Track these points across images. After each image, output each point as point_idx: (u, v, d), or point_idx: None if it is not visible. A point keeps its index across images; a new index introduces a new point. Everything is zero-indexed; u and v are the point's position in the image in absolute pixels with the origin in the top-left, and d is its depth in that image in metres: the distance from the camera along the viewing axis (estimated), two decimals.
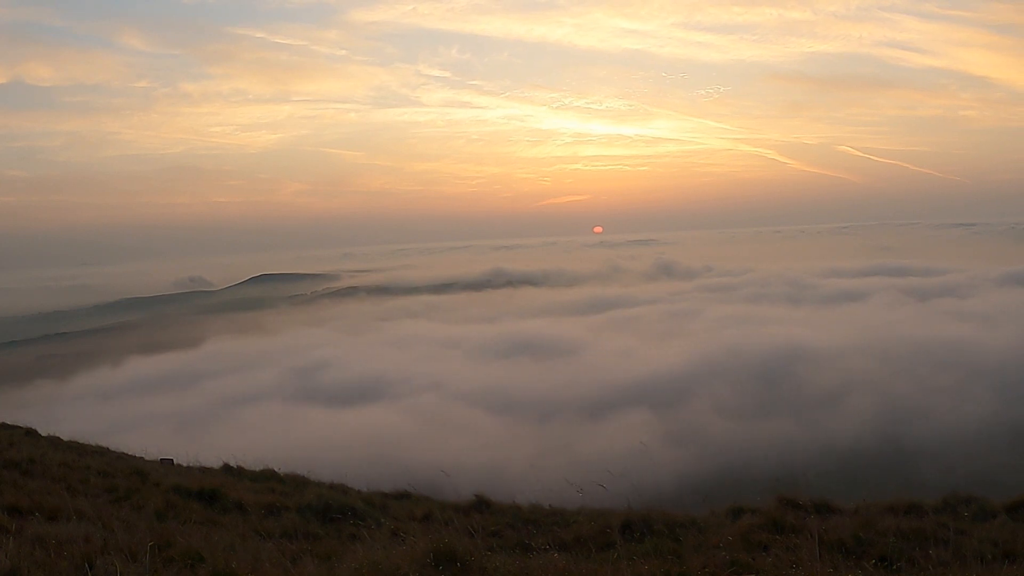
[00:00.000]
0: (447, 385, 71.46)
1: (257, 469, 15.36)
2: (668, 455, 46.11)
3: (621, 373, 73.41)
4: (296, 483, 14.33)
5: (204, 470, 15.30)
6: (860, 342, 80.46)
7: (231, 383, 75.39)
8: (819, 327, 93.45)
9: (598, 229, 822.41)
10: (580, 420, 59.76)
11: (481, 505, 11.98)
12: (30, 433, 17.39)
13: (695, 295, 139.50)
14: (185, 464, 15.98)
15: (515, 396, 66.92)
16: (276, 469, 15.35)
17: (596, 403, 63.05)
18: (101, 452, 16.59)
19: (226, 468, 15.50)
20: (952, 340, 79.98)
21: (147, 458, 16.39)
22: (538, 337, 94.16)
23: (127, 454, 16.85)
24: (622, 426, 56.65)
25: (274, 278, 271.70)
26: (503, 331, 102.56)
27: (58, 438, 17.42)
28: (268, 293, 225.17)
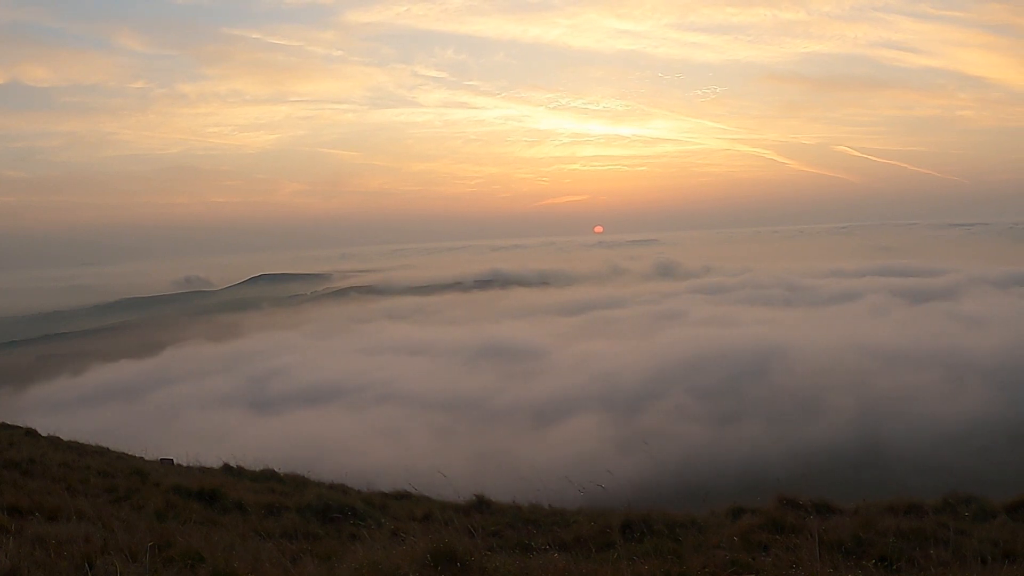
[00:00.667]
0: (395, 391, 70.90)
1: (257, 469, 15.38)
2: (618, 461, 45.24)
3: (580, 377, 73.03)
4: (296, 483, 14.34)
5: (204, 470, 15.31)
6: (847, 344, 79.97)
7: (181, 391, 74.91)
8: (807, 329, 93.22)
9: (599, 229, 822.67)
10: (526, 425, 59.27)
11: (481, 505, 11.97)
12: (30, 433, 17.41)
13: (687, 296, 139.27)
14: (185, 464, 16.01)
15: (463, 401, 66.45)
16: (276, 469, 15.37)
17: (547, 408, 62.67)
18: (101, 452, 16.60)
19: (226, 468, 15.51)
20: (947, 341, 79.70)
21: (147, 458, 16.41)
22: (509, 341, 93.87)
23: (127, 454, 16.86)
24: (569, 431, 56.39)
25: (273, 278, 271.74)
26: (478, 334, 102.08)
27: (58, 438, 17.44)
28: (267, 293, 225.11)
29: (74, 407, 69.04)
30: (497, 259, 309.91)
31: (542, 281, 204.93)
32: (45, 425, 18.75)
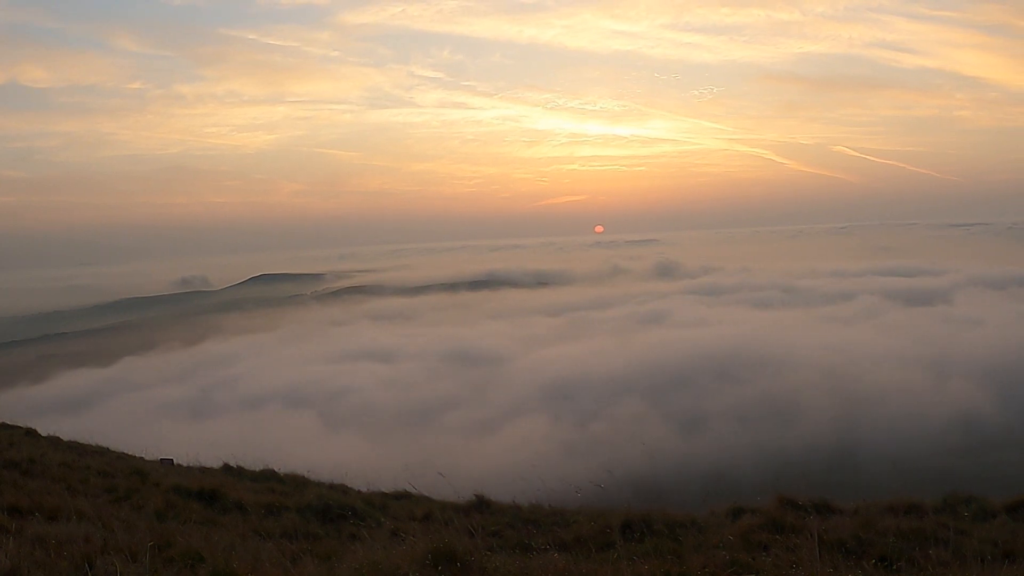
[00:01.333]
0: (341, 398, 69.58)
1: (257, 469, 15.39)
2: (566, 465, 43.08)
3: (539, 381, 71.85)
4: (296, 483, 14.35)
5: (204, 470, 15.32)
6: (836, 345, 79.13)
7: (131, 399, 73.38)
8: (795, 330, 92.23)
9: (599, 228, 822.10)
10: (464, 432, 57.93)
11: (481, 505, 11.98)
12: (30, 433, 17.41)
13: (679, 297, 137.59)
14: (185, 464, 16.01)
15: (406, 408, 65.37)
16: (276, 469, 15.38)
17: (494, 414, 61.74)
18: (101, 452, 16.61)
19: (226, 468, 15.51)
20: (941, 343, 78.80)
21: (147, 458, 16.41)
22: (478, 345, 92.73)
23: (127, 454, 16.87)
24: (512, 437, 55.27)
25: (272, 278, 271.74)
26: (452, 338, 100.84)
27: (58, 438, 17.45)
28: (266, 294, 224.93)
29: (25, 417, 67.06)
30: (495, 259, 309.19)
31: (538, 282, 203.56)
32: (37, 425, 18.71)
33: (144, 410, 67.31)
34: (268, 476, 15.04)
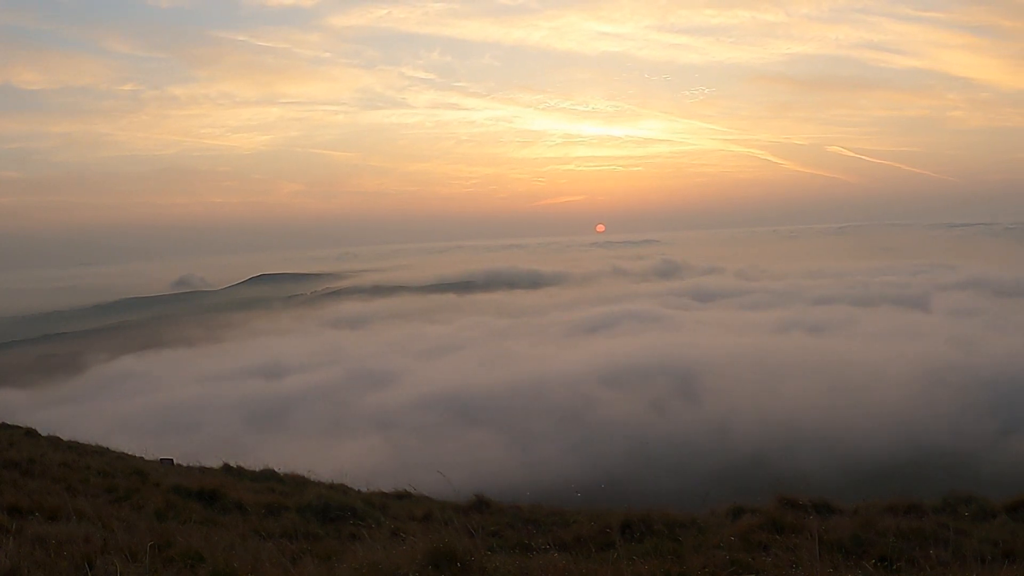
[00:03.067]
0: (179, 426, 62.94)
1: (257, 469, 15.39)
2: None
3: (426, 391, 69.14)
4: (296, 483, 14.35)
5: (204, 470, 15.32)
6: (813, 348, 78.70)
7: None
8: (763, 336, 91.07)
9: (600, 228, 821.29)
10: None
11: (481, 505, 11.98)
12: (30, 433, 17.41)
13: (661, 298, 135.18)
14: (185, 464, 16.02)
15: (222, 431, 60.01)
16: (276, 469, 15.38)
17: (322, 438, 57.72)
18: (101, 452, 16.60)
19: (226, 468, 15.52)
20: (938, 344, 78.22)
21: (147, 458, 16.41)
22: (382, 356, 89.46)
23: (127, 454, 16.87)
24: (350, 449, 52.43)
25: (273, 278, 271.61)
26: (367, 344, 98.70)
27: (58, 438, 17.44)
28: (266, 294, 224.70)
29: None
30: (490, 260, 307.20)
31: (529, 283, 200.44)
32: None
33: None
34: (268, 476, 15.04)
